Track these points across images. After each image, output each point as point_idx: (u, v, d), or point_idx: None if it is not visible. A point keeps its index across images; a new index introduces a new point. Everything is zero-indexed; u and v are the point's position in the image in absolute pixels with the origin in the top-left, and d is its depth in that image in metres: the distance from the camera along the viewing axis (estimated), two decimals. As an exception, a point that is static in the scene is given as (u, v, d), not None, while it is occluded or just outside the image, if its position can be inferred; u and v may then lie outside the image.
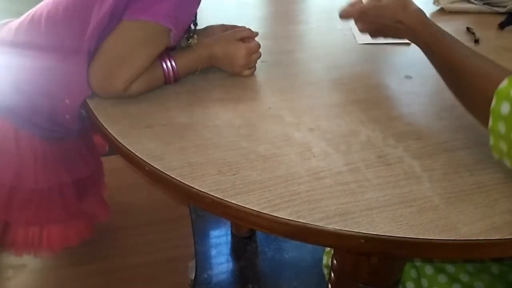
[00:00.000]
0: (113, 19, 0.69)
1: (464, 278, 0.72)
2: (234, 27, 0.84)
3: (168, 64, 0.74)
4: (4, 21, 0.85)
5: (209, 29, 0.86)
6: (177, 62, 0.74)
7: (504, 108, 0.51)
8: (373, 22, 0.78)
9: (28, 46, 0.77)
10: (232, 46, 0.77)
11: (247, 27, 0.82)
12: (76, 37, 0.71)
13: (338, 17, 0.84)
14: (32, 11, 0.79)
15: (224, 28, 0.85)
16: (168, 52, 0.75)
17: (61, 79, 0.76)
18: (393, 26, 0.73)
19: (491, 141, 0.53)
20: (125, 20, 0.69)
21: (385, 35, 0.79)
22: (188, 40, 0.79)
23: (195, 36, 0.80)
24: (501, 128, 0.51)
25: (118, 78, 0.68)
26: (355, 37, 0.96)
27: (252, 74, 0.79)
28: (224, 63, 0.78)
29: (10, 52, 0.80)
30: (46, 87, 0.79)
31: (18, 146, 0.88)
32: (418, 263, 0.76)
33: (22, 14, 0.81)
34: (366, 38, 0.94)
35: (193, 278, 1.19)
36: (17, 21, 0.80)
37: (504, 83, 0.52)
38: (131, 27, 0.69)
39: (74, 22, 0.72)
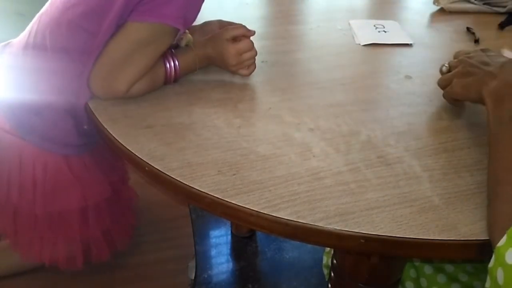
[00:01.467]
0: (121, 23, 0.69)
1: (463, 278, 0.72)
2: (230, 23, 0.84)
3: (172, 63, 0.73)
4: (2, 44, 0.85)
5: (206, 25, 0.85)
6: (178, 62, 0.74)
7: (499, 275, 0.42)
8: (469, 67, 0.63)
9: (39, 70, 0.77)
10: (222, 45, 0.75)
11: (245, 25, 0.81)
12: (85, 49, 0.70)
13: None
14: (31, 30, 0.78)
15: (221, 24, 0.85)
16: (171, 51, 0.74)
17: (78, 94, 0.73)
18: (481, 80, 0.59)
19: (488, 283, 0.45)
20: (131, 21, 0.68)
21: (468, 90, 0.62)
22: (181, 36, 0.78)
23: (186, 31, 0.79)
24: (499, 276, 0.42)
25: (121, 80, 0.68)
26: (354, 38, 0.96)
27: (250, 74, 0.79)
28: (218, 62, 0.78)
29: (23, 77, 0.80)
30: (66, 108, 0.79)
31: (70, 166, 0.90)
32: (417, 263, 0.76)
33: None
34: (366, 39, 0.94)
35: (193, 278, 1.19)
36: (19, 45, 0.80)
37: (503, 240, 0.43)
38: (137, 28, 0.68)
39: (81, 35, 0.71)
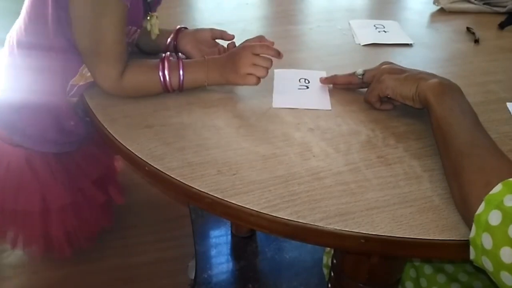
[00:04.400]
0: (62, 8, 0.69)
1: (463, 277, 0.72)
2: (222, 32, 0.81)
3: (164, 72, 0.70)
4: None
5: (198, 32, 0.82)
6: (185, 76, 0.70)
7: (485, 241, 0.43)
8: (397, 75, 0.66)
9: (12, 67, 0.80)
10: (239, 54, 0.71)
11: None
12: (44, 43, 0.73)
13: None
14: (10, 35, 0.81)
15: (213, 32, 0.82)
16: (167, 63, 0.70)
17: (48, 89, 0.77)
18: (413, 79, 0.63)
19: (472, 254, 0.46)
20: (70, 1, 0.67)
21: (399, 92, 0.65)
22: (147, 17, 0.76)
23: (153, 14, 0.77)
24: (486, 241, 0.44)
25: (107, 64, 0.68)
26: (354, 38, 0.96)
27: (258, 83, 0.71)
28: (228, 70, 0.71)
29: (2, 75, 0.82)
30: (42, 103, 0.80)
31: (33, 168, 0.90)
32: (417, 263, 0.76)
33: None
34: (366, 39, 0.94)
35: (193, 278, 1.19)
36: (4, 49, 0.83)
37: (497, 188, 0.45)
38: (77, 5, 0.67)
39: (35, 27, 0.74)
